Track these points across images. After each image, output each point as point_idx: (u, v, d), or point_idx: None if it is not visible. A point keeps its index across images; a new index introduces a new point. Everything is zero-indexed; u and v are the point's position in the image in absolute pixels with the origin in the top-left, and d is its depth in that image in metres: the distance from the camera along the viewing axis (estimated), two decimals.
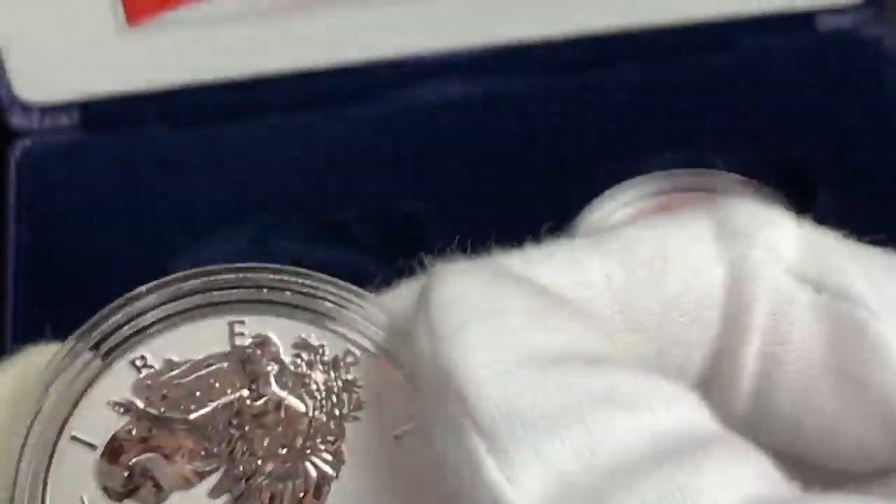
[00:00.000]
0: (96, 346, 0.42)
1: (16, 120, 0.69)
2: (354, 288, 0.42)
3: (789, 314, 0.42)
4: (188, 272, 0.42)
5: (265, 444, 0.42)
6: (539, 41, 0.70)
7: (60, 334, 0.43)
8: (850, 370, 0.42)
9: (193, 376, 0.42)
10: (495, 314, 0.38)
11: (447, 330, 0.37)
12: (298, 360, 0.42)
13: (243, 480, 0.42)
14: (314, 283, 0.42)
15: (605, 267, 0.41)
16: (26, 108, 0.69)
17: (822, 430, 0.42)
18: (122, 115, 0.71)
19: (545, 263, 0.40)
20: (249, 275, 0.42)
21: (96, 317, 0.42)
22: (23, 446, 0.41)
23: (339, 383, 0.42)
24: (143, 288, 0.42)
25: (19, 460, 0.41)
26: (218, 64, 0.70)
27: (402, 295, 0.43)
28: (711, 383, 0.43)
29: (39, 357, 0.42)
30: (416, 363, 0.38)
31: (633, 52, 0.71)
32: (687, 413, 0.36)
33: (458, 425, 0.36)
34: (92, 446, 0.41)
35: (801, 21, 0.72)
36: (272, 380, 0.42)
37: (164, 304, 0.42)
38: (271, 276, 0.42)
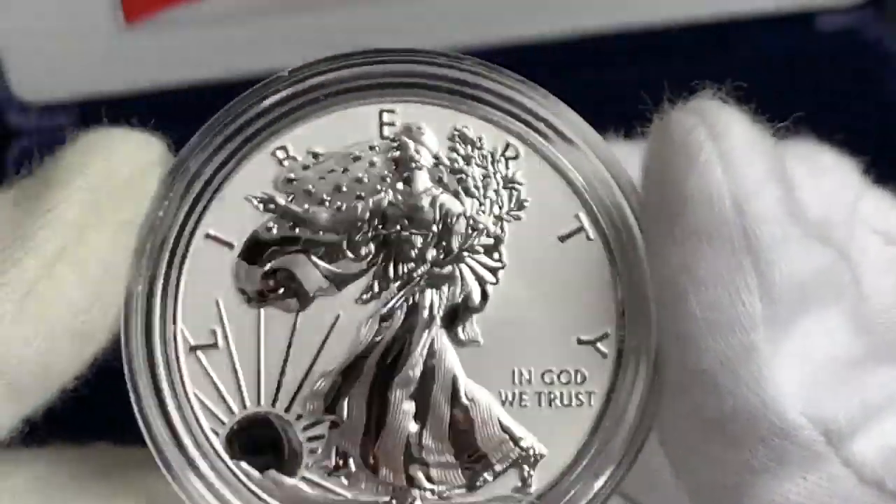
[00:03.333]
0: (233, 136, 0.38)
1: (14, 119, 0.67)
2: (518, 77, 0.39)
3: (862, 263, 0.42)
4: (334, 55, 0.38)
5: (418, 245, 0.38)
6: (539, 41, 0.68)
7: None
8: None
9: (340, 169, 0.38)
10: (784, 174, 0.37)
11: (752, 180, 0.35)
12: (454, 154, 0.38)
13: (395, 285, 0.38)
14: (474, 69, 0.38)
15: None
16: (24, 107, 0.66)
17: None
18: (121, 114, 0.69)
19: None
20: (401, 59, 0.38)
21: (232, 103, 0.38)
22: (144, 242, 0.37)
23: (499, 179, 0.38)
24: (283, 72, 0.38)
25: (141, 258, 0.37)
26: (216, 63, 0.68)
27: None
28: None
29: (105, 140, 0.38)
30: (694, 189, 0.35)
31: (633, 52, 0.69)
32: None
33: (734, 274, 0.35)
34: (229, 245, 0.38)
35: (801, 21, 0.71)
36: (426, 175, 0.38)
37: (307, 90, 0.38)
38: (426, 60, 0.38)
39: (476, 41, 0.67)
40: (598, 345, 0.38)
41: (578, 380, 0.38)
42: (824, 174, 0.43)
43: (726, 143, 0.35)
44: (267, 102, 0.38)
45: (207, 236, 0.38)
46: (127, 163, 0.37)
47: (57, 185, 0.36)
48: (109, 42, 0.64)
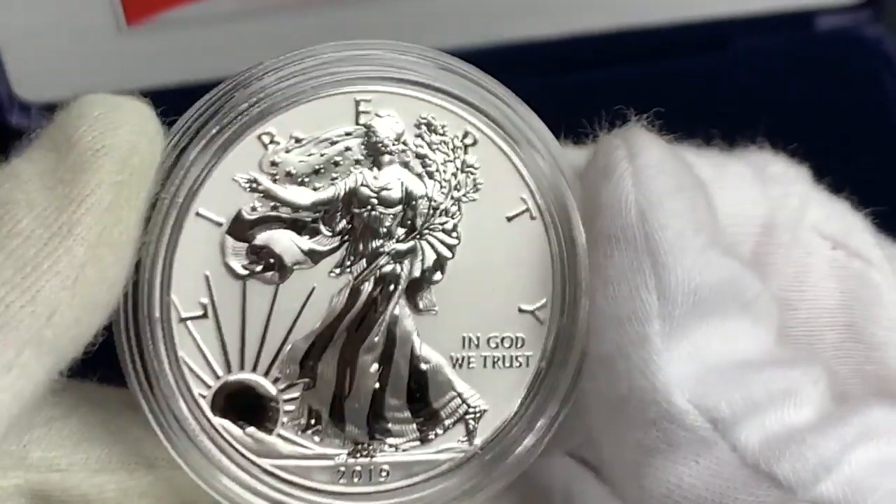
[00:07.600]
0: (222, 122, 0.41)
1: (15, 119, 0.67)
2: (479, 71, 0.43)
3: (807, 265, 0.46)
4: (313, 48, 0.42)
5: (386, 224, 0.42)
6: (538, 41, 0.69)
7: None
8: (857, 327, 0.46)
9: (318, 153, 0.42)
10: (693, 191, 0.41)
11: (656, 192, 0.40)
12: (420, 140, 0.42)
13: (364, 259, 0.42)
14: (439, 60, 0.42)
15: None
16: (25, 106, 0.67)
17: None
18: None
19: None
20: (375, 51, 0.42)
21: (219, 93, 0.42)
22: (148, 222, 0.41)
23: (458, 164, 0.42)
24: (267, 63, 0.42)
25: (143, 235, 0.41)
26: (216, 63, 0.68)
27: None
28: None
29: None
30: (606, 198, 0.40)
31: (633, 51, 0.71)
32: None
33: (635, 273, 0.39)
34: (217, 223, 0.42)
35: (801, 21, 0.72)
36: (395, 160, 0.42)
37: (290, 79, 0.42)
38: (397, 53, 0.42)
39: (476, 41, 0.69)
40: (537, 313, 0.43)
41: (518, 344, 0.43)
42: (772, 180, 0.46)
43: (639, 161, 0.40)
44: (253, 90, 0.42)
45: (198, 214, 0.41)
46: (141, 136, 0.40)
47: (89, 169, 0.39)
48: (109, 42, 0.65)
